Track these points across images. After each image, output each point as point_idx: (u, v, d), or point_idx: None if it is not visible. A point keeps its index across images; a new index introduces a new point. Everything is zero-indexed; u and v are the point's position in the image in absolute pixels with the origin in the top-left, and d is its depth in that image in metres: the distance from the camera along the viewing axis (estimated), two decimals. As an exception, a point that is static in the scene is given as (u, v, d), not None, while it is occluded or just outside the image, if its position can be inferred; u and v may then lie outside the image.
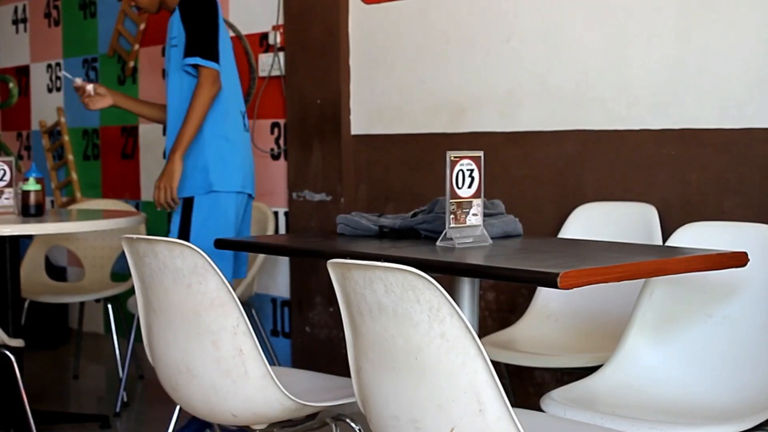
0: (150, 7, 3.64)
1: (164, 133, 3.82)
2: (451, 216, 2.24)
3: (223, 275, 2.15)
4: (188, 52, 3.40)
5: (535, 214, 3.44)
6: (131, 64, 5.25)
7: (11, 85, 6.10)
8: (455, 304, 1.65)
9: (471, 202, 2.27)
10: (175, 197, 3.40)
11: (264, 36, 4.51)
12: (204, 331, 2.17)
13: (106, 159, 5.50)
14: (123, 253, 2.35)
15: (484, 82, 3.66)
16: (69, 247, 4.85)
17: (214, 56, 3.41)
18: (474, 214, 2.28)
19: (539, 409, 2.28)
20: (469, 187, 2.27)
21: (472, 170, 2.27)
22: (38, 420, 3.45)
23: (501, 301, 3.63)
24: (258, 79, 4.54)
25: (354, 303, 1.85)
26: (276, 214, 4.45)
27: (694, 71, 3.11)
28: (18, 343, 3.46)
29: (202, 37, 3.42)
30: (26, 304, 4.22)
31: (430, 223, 2.45)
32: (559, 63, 3.45)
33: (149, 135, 5.21)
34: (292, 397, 2.20)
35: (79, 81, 3.68)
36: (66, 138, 5.70)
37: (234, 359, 2.16)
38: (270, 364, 2.18)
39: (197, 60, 3.38)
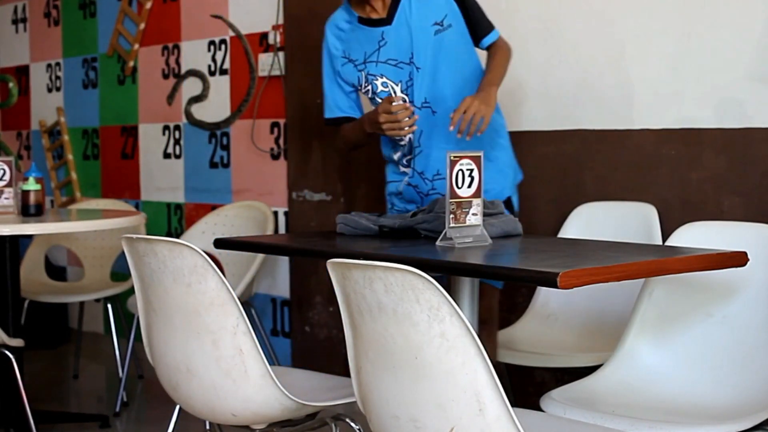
0: None
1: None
2: (451, 216, 2.24)
3: None
4: (487, 28, 3.08)
5: (535, 214, 3.44)
6: (131, 63, 5.25)
7: (11, 84, 6.10)
8: (455, 303, 1.65)
9: (471, 201, 2.27)
10: (484, 128, 2.78)
11: (264, 36, 4.51)
12: (204, 331, 2.17)
13: (105, 159, 5.50)
14: (123, 252, 2.35)
15: (484, 81, 3.65)
16: (69, 247, 4.85)
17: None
18: (474, 214, 2.28)
19: (539, 409, 2.28)
20: (469, 186, 2.27)
21: (471, 170, 2.27)
22: (38, 420, 3.45)
23: (501, 300, 3.63)
24: (258, 79, 4.54)
25: (354, 303, 1.85)
26: (276, 213, 4.44)
27: (694, 71, 3.11)
28: (18, 342, 3.46)
29: (482, 10, 3.11)
30: (26, 304, 4.22)
31: (430, 223, 2.46)
32: (559, 63, 3.44)
33: (149, 135, 5.21)
34: (292, 396, 2.20)
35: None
36: (66, 138, 5.70)
37: (234, 359, 2.16)
38: (270, 364, 2.18)
39: (498, 32, 3.10)
